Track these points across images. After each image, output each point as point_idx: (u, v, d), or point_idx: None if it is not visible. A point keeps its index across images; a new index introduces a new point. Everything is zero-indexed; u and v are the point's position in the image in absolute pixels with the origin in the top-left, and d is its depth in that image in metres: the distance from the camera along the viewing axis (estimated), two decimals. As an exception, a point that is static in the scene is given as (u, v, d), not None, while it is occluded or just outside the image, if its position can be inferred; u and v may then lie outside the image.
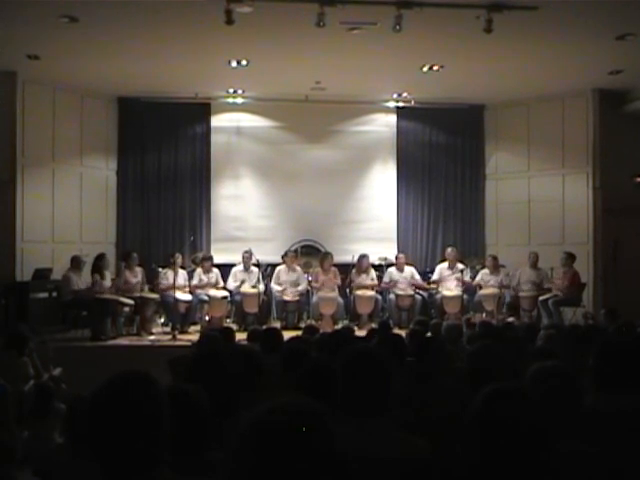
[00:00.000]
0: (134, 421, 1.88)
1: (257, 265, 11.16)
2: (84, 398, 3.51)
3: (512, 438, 2.11)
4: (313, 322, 10.28)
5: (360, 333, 8.38)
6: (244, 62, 10.19)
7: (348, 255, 11.62)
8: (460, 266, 11.33)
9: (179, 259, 10.84)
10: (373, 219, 12.93)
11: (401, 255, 11.75)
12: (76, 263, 10.04)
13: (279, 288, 11.01)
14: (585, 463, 2.28)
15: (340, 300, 10.95)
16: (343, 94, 12.22)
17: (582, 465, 2.27)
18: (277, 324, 10.20)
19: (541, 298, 10.71)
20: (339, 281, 11.19)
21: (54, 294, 10.28)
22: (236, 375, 3.16)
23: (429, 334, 6.89)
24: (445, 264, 11.52)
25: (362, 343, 4.75)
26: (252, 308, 10.65)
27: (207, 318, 10.83)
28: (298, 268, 11.37)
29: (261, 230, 12.62)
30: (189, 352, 5.81)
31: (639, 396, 2.99)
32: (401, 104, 12.89)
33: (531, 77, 10.89)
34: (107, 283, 10.10)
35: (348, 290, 11.22)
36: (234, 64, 10.26)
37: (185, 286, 10.74)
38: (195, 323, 10.80)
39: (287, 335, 6.11)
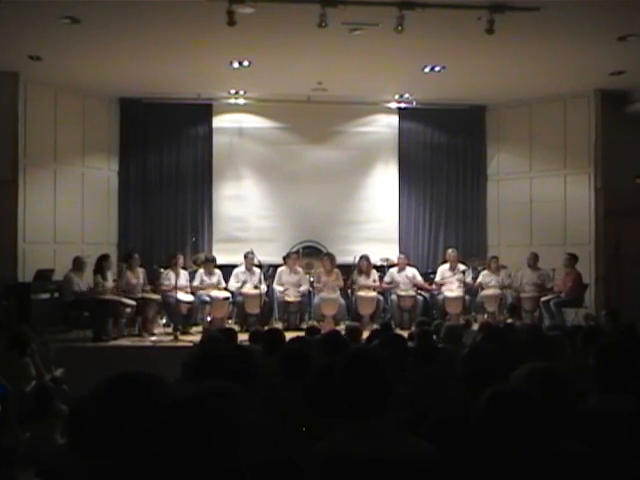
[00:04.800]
0: (140, 420, 1.88)
1: (259, 266, 11.16)
2: (87, 398, 3.52)
3: (514, 439, 2.11)
4: (315, 323, 10.29)
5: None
6: (246, 63, 10.20)
7: (350, 256, 11.63)
8: (462, 267, 11.33)
9: (181, 260, 10.85)
10: (375, 220, 12.93)
11: (401, 256, 11.75)
12: (78, 264, 10.03)
13: (281, 289, 11.01)
14: (585, 463, 2.28)
15: (342, 301, 10.94)
16: (345, 95, 12.22)
17: (582, 465, 2.27)
18: (279, 325, 10.20)
19: (543, 299, 10.71)
20: (341, 282, 11.19)
21: (56, 295, 10.28)
22: (234, 375, 3.16)
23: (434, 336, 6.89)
24: (447, 265, 11.52)
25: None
26: (254, 309, 10.65)
27: (209, 319, 10.84)
28: (300, 269, 11.37)
29: (263, 231, 12.63)
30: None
31: (639, 397, 3.00)
32: (403, 105, 12.90)
33: (533, 78, 10.89)
34: (109, 284, 10.10)
35: (350, 291, 11.21)
36: (236, 65, 10.27)
37: (187, 287, 10.73)
38: (197, 324, 10.79)
39: (289, 336, 6.09)
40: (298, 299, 10.96)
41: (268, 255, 11.85)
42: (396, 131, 13.09)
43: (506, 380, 2.79)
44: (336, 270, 11.28)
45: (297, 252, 11.86)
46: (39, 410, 5.51)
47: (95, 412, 1.96)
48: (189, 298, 10.58)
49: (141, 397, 1.93)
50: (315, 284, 11.11)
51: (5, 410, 5.16)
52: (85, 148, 11.99)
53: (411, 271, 11.50)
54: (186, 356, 4.93)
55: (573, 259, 10.84)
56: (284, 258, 11.51)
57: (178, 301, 10.35)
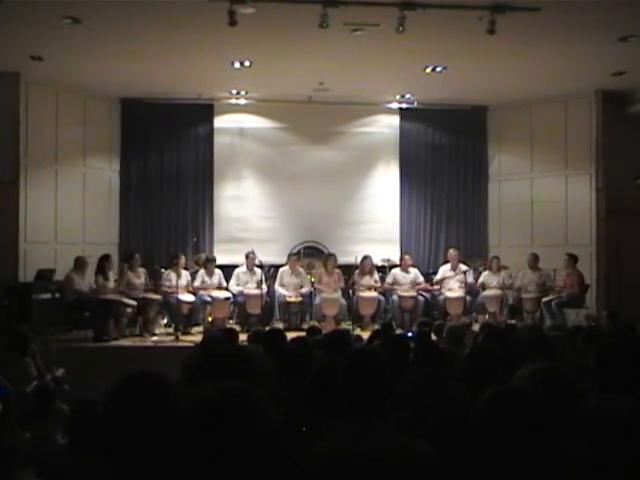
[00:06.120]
0: (150, 420, 1.88)
1: (260, 266, 11.16)
2: (88, 399, 3.52)
3: (514, 439, 2.11)
4: (316, 323, 10.29)
5: (362, 334, 8.36)
6: (247, 63, 10.20)
7: (351, 256, 11.60)
8: (463, 267, 11.32)
9: (182, 260, 10.85)
10: (376, 220, 12.93)
11: (407, 256, 11.69)
12: (79, 264, 10.02)
13: (282, 291, 11.00)
14: (585, 463, 2.28)
15: (343, 301, 10.93)
16: (346, 95, 12.22)
17: (582, 465, 2.27)
18: (280, 325, 10.20)
19: (544, 299, 10.70)
20: (342, 283, 11.18)
21: (57, 295, 10.28)
22: (234, 375, 3.15)
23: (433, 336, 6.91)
24: (448, 265, 11.51)
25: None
26: (255, 309, 10.65)
27: (210, 319, 10.84)
28: (301, 270, 11.37)
29: (264, 231, 12.63)
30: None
31: (639, 397, 3.00)
32: (404, 105, 12.90)
33: (534, 78, 10.88)
34: (110, 284, 10.11)
35: (351, 291, 11.21)
36: (237, 65, 10.27)
37: (188, 287, 10.74)
38: (198, 324, 10.80)
39: (290, 337, 6.09)
40: (299, 299, 10.96)
41: (269, 255, 11.86)
42: (397, 131, 13.09)
43: (507, 380, 2.79)
44: (337, 270, 11.28)
45: (298, 253, 11.87)
46: (40, 410, 5.52)
47: (103, 413, 1.96)
48: (190, 298, 10.58)
49: (150, 398, 1.93)
50: (316, 285, 11.11)
51: (5, 410, 5.17)
52: (86, 148, 12.00)
53: (413, 272, 11.50)
54: (187, 356, 4.94)
55: (573, 259, 10.84)
56: (289, 256, 11.54)
57: (179, 301, 10.35)
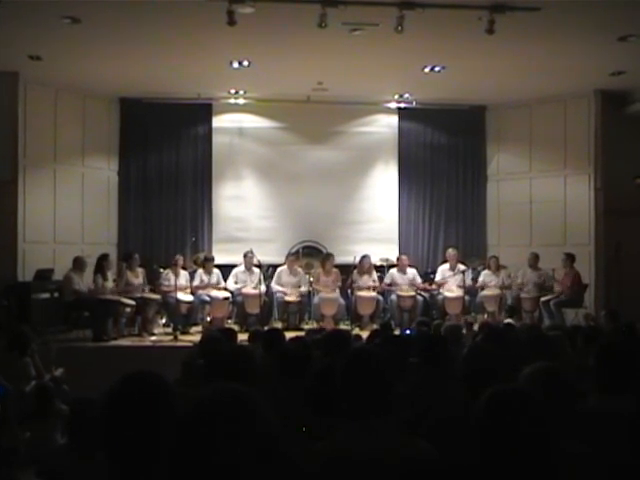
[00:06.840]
0: (150, 420, 1.88)
1: (259, 266, 11.15)
2: (87, 399, 3.52)
3: (515, 440, 2.11)
4: (315, 323, 10.30)
5: (361, 334, 8.35)
6: (246, 63, 10.20)
7: (349, 256, 11.61)
8: (461, 267, 11.31)
9: (181, 260, 10.85)
10: (375, 220, 12.93)
11: (404, 257, 11.68)
12: (79, 264, 10.02)
13: (280, 288, 11.00)
14: (585, 463, 2.28)
15: (341, 301, 10.93)
16: (345, 95, 12.22)
17: (582, 465, 2.27)
18: (278, 325, 10.20)
19: (543, 299, 10.70)
20: (340, 282, 11.18)
21: (56, 295, 10.28)
22: (234, 375, 3.16)
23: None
24: (446, 265, 11.51)
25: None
26: (253, 309, 10.65)
27: (208, 319, 10.84)
28: (299, 269, 11.37)
29: (263, 231, 12.62)
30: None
31: (639, 397, 3.00)
32: (403, 105, 12.90)
33: (533, 78, 10.88)
34: (109, 284, 10.10)
35: (349, 291, 11.20)
36: (236, 65, 10.27)
37: (187, 287, 10.73)
38: (196, 324, 10.79)
39: (289, 336, 6.09)
40: (298, 299, 10.94)
41: (268, 255, 11.86)
42: (396, 131, 13.09)
43: (507, 381, 2.79)
44: (335, 270, 11.28)
45: (297, 252, 11.87)
46: (39, 410, 5.51)
47: (103, 413, 1.95)
48: (189, 298, 10.58)
49: (150, 398, 1.93)
50: (314, 284, 11.10)
51: (5, 410, 5.16)
52: (85, 148, 11.99)
53: (411, 272, 11.48)
54: (186, 356, 4.94)
55: (570, 259, 10.85)
56: (288, 256, 11.54)
57: (178, 301, 10.36)
